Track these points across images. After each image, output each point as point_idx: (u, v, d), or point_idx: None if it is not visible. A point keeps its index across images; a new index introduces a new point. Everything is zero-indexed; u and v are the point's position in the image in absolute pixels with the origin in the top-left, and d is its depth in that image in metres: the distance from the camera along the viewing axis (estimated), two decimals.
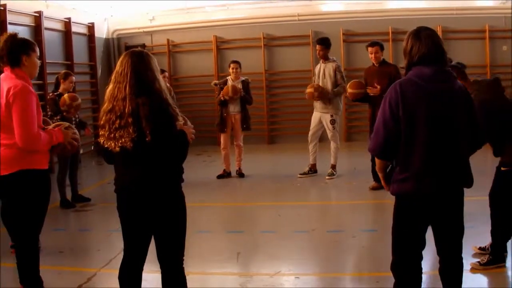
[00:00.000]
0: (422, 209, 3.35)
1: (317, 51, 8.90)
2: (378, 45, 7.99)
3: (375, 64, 8.01)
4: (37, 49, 4.08)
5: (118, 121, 3.21)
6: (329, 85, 8.74)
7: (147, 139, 3.17)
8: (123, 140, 3.20)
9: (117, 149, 3.23)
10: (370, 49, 7.99)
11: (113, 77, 3.31)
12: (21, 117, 3.76)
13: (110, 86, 3.30)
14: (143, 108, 3.17)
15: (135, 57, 3.29)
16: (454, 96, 3.30)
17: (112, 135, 3.23)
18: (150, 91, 3.24)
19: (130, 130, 3.18)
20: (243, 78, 9.24)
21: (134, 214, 3.36)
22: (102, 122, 3.29)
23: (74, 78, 7.77)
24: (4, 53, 3.89)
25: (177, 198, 3.39)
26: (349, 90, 8.19)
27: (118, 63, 3.31)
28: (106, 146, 3.30)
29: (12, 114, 3.78)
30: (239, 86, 9.12)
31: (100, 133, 3.31)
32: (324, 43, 8.86)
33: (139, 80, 3.23)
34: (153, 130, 3.17)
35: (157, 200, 3.30)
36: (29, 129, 3.78)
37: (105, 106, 3.30)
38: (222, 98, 9.03)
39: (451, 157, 3.29)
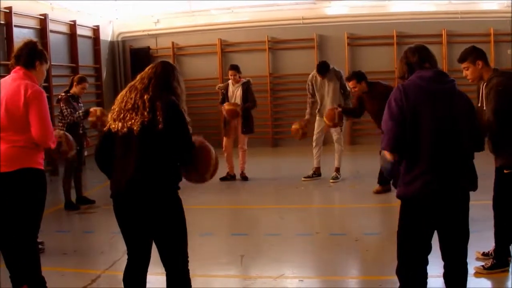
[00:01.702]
0: (428, 212, 3.35)
1: (320, 77, 8.82)
2: (353, 79, 7.73)
3: (363, 93, 7.80)
4: (48, 63, 4.34)
5: (133, 101, 3.27)
6: (337, 96, 8.77)
7: (159, 125, 3.19)
8: (132, 121, 3.23)
9: (125, 129, 3.25)
10: (348, 83, 7.95)
11: (138, 75, 3.43)
12: (41, 114, 3.98)
13: (135, 79, 3.42)
14: (161, 102, 3.24)
15: (165, 64, 3.45)
16: (455, 96, 3.35)
17: (122, 115, 3.28)
18: (172, 93, 3.35)
19: (145, 113, 3.22)
20: (244, 80, 9.24)
21: (130, 220, 3.36)
22: (113, 106, 3.37)
23: (87, 85, 7.88)
24: (23, 53, 4.12)
25: (173, 203, 3.37)
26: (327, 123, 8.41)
27: (147, 67, 3.45)
28: (112, 127, 3.32)
29: (30, 112, 3.95)
30: (239, 91, 9.12)
31: (109, 116, 3.37)
32: (325, 71, 8.73)
33: (165, 82, 3.35)
34: (165, 122, 3.20)
35: (152, 205, 3.29)
36: (48, 126, 4.03)
37: (122, 92, 3.40)
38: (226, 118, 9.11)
39: (456, 156, 3.31)
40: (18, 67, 4.09)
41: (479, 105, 4.57)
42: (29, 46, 4.16)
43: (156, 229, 3.35)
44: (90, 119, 7.36)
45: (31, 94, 3.94)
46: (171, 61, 3.59)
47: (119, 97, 3.41)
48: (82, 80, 7.76)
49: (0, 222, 4.16)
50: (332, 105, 8.61)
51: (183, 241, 3.41)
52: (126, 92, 3.37)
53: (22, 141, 3.98)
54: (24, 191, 4.01)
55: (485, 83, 4.51)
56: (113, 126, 3.32)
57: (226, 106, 8.98)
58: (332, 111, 8.28)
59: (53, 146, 4.22)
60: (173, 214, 3.36)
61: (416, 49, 3.48)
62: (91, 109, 7.44)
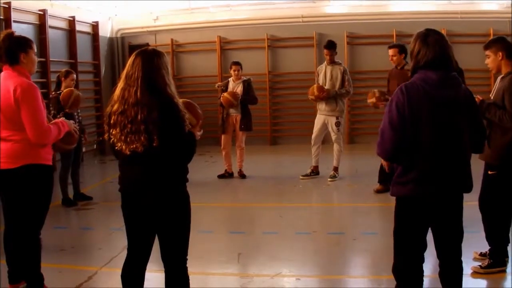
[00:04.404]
0: (422, 211, 3.36)
1: (327, 56, 8.86)
2: (396, 48, 7.83)
3: (397, 67, 7.87)
4: (34, 46, 4.13)
5: (130, 126, 3.19)
6: (337, 87, 8.78)
7: (154, 144, 3.16)
8: (135, 145, 3.19)
9: (128, 152, 3.22)
10: (389, 51, 7.90)
11: (123, 77, 3.28)
12: (32, 113, 3.87)
13: (121, 86, 3.27)
14: (153, 114, 3.15)
15: (146, 60, 3.26)
16: (458, 103, 3.29)
17: (124, 137, 3.22)
18: (161, 96, 3.22)
19: (142, 138, 3.17)
20: (245, 78, 9.24)
21: (138, 214, 3.36)
22: (112, 121, 3.26)
23: (75, 75, 7.78)
24: (2, 52, 3.96)
25: (182, 198, 3.39)
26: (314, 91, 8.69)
27: (129, 64, 3.28)
28: (116, 147, 3.28)
29: (21, 111, 3.87)
30: (239, 87, 9.13)
31: (112, 132, 3.27)
32: (333, 47, 8.83)
33: (150, 86, 3.21)
34: (160, 135, 3.16)
35: (161, 200, 3.30)
36: (40, 124, 3.91)
37: (116, 107, 3.25)
38: (223, 105, 9.14)
39: (453, 162, 3.29)
40: (5, 66, 3.98)
41: (490, 95, 4.57)
42: (5, 41, 3.97)
43: (163, 223, 3.36)
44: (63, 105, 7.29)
45: (20, 93, 3.85)
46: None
47: (115, 109, 3.25)
48: (68, 73, 7.67)
49: (5, 218, 4.16)
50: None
51: (187, 238, 3.43)
52: (125, 110, 3.20)
53: (24, 139, 3.94)
54: (28, 188, 3.99)
55: (502, 76, 4.51)
56: (118, 145, 3.26)
57: (225, 94, 9.05)
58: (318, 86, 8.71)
59: (52, 141, 4.09)
60: (180, 209, 3.38)
61: (433, 48, 3.30)
62: (63, 91, 7.35)
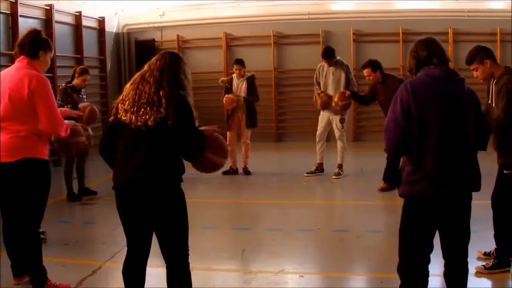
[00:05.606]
0: (431, 212, 3.34)
1: (326, 64, 8.76)
2: (368, 67, 7.74)
3: (378, 84, 7.79)
4: (53, 51, 4.34)
5: (147, 95, 3.25)
6: (340, 88, 8.65)
7: (168, 122, 3.19)
8: (147, 116, 3.21)
9: (138, 123, 3.22)
10: (363, 71, 7.86)
11: (146, 65, 3.41)
12: (48, 104, 4.00)
13: (144, 68, 3.40)
14: (172, 97, 3.23)
15: (173, 56, 3.42)
16: (464, 98, 3.32)
17: (135, 109, 3.25)
18: (179, 86, 3.33)
19: (161, 109, 3.21)
20: (249, 75, 9.22)
21: (132, 212, 3.36)
22: (122, 96, 3.34)
23: (89, 77, 7.82)
24: (26, 42, 4.12)
25: (177, 196, 3.37)
26: (337, 102, 8.29)
27: (156, 57, 3.42)
28: (123, 119, 3.28)
29: (37, 103, 3.96)
30: (243, 85, 9.11)
31: (118, 105, 3.34)
32: (330, 57, 8.68)
33: (173, 75, 3.32)
34: (173, 119, 3.20)
35: (156, 198, 3.29)
36: (55, 114, 4.06)
37: (132, 81, 3.37)
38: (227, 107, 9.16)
39: (462, 159, 3.29)
40: (22, 57, 4.10)
41: (489, 102, 4.56)
42: (32, 35, 4.15)
43: (158, 221, 3.35)
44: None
45: (35, 85, 3.93)
46: None
47: (129, 86, 3.36)
48: (83, 71, 7.71)
49: (3, 212, 4.19)
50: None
51: (184, 234, 3.41)
52: (139, 84, 3.32)
53: (24, 131, 3.98)
54: (26, 181, 4.03)
55: (495, 80, 4.49)
56: (125, 117, 3.29)
57: (230, 95, 9.05)
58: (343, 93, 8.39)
59: (64, 134, 4.22)
60: (175, 207, 3.37)
61: (426, 44, 3.41)
62: (80, 105, 7.27)
